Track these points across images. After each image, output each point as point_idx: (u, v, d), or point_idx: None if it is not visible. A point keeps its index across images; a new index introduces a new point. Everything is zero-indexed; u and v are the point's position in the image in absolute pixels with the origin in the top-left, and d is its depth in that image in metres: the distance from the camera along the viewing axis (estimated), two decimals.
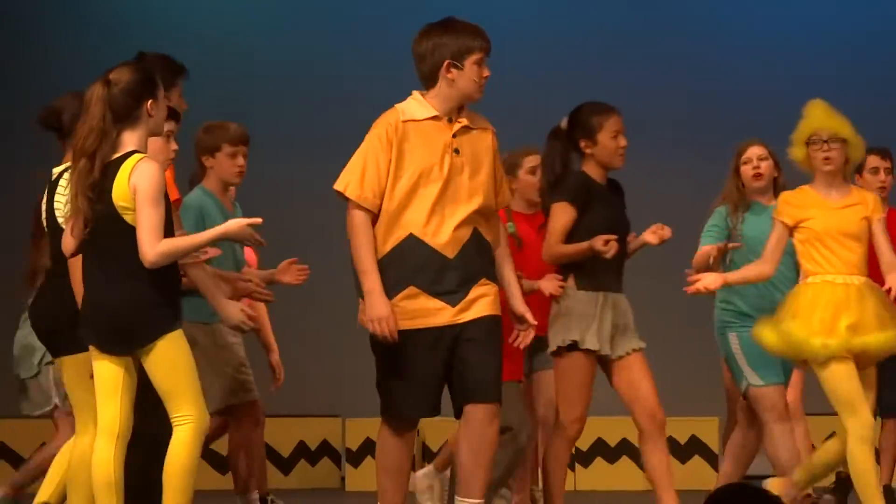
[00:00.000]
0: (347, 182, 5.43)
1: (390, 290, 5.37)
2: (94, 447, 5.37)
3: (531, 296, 6.46)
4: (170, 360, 5.37)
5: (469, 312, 5.44)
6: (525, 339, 5.73)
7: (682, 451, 9.29)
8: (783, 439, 6.72)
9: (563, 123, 6.54)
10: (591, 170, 6.45)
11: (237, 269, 6.88)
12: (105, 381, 5.32)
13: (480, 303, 5.47)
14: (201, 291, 5.86)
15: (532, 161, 7.02)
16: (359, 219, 5.43)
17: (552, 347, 6.35)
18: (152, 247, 5.12)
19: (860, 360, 6.16)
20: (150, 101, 5.21)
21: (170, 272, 5.40)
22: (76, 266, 5.48)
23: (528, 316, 5.69)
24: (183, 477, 5.37)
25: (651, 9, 12.04)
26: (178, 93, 6.01)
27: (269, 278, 6.69)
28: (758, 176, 6.87)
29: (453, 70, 5.45)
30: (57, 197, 5.66)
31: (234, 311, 5.73)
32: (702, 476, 9.00)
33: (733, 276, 6.51)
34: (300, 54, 11.66)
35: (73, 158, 5.23)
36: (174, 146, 5.85)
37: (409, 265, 5.43)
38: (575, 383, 6.29)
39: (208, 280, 5.86)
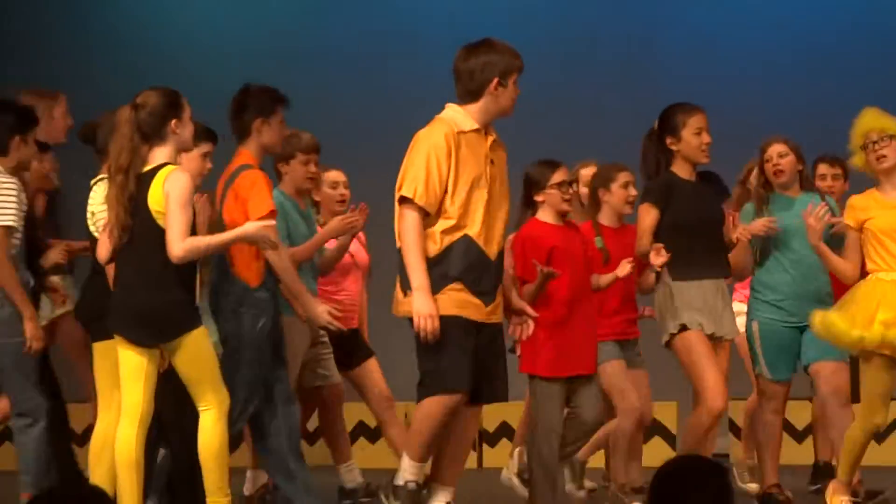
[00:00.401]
0: (414, 188, 5.76)
1: (440, 280, 5.79)
2: (119, 429, 5.69)
3: (616, 294, 6.88)
4: (194, 353, 5.71)
5: (495, 316, 6.01)
6: (526, 330, 6.16)
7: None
8: (770, 429, 6.90)
9: (655, 125, 6.75)
10: (679, 167, 6.67)
11: (315, 270, 7.07)
12: (131, 368, 5.63)
13: (499, 310, 6.06)
14: (292, 293, 6.34)
15: (625, 177, 7.09)
16: (414, 220, 5.77)
17: (665, 339, 6.60)
18: (179, 243, 5.49)
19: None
20: (174, 121, 5.63)
21: (193, 276, 5.76)
22: (112, 270, 5.83)
23: (528, 310, 6.14)
24: (216, 457, 5.78)
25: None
26: (279, 119, 6.39)
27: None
28: (779, 173, 6.86)
29: (500, 87, 5.86)
30: (89, 207, 6.15)
31: (321, 312, 6.27)
32: (661, 456, 9.37)
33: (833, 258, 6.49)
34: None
35: (110, 174, 5.66)
36: (208, 165, 6.34)
37: (461, 263, 5.84)
38: (701, 357, 6.52)
39: (299, 284, 6.30)
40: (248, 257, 6.20)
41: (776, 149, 6.95)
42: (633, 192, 7.06)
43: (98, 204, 6.12)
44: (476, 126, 5.90)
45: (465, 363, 5.83)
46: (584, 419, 6.50)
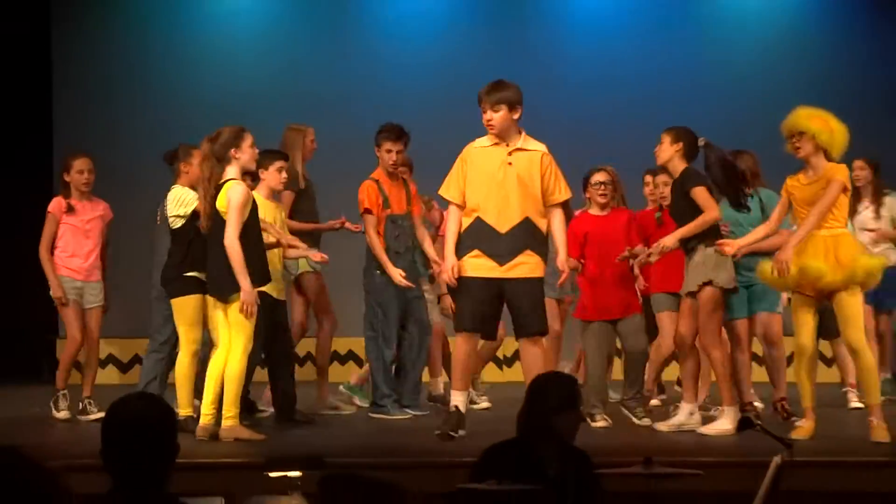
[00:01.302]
0: (447, 189, 7.41)
1: (464, 249, 7.28)
2: (216, 356, 7.22)
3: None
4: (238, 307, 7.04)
5: (513, 272, 7.21)
6: (563, 277, 7.55)
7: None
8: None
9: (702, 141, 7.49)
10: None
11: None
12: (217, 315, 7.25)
13: (521, 268, 7.22)
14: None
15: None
16: (452, 211, 7.41)
17: (692, 288, 7.39)
18: (230, 237, 7.06)
19: (815, 291, 7.05)
20: (233, 150, 7.10)
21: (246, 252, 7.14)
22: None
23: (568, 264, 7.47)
24: (237, 379, 7.12)
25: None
26: (385, 147, 8.39)
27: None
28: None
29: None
30: (167, 208, 7.76)
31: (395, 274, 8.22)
32: None
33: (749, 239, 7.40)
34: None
35: (201, 184, 7.24)
36: (284, 176, 8.07)
37: (476, 236, 7.25)
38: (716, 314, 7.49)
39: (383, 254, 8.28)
40: None
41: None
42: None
43: (171, 204, 7.76)
44: (495, 141, 7.28)
45: (478, 311, 7.26)
46: (629, 349, 8.18)
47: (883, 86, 11.58)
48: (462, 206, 7.33)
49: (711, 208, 7.32)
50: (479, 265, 7.21)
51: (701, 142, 7.43)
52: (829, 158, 7.06)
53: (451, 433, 7.17)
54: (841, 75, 11.32)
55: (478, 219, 7.24)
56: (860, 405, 8.41)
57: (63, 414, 8.00)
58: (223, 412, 7.17)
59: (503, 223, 7.19)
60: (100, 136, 11.18)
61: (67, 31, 11.84)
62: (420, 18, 11.95)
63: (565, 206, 7.68)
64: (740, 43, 11.91)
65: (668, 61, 11.78)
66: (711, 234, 7.40)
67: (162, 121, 11.37)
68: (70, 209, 8.19)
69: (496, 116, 7.16)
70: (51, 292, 8.21)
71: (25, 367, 11.29)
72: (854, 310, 7.00)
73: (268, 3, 12.27)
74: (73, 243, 8.20)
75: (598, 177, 8.27)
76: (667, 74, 11.66)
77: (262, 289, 7.43)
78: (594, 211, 8.34)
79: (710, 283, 7.33)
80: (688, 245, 7.40)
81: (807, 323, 7.13)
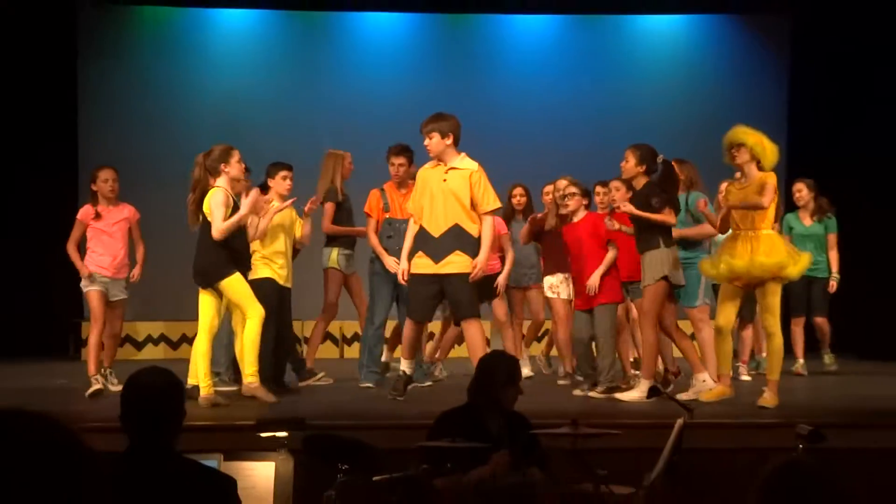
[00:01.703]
0: (410, 204, 7.60)
1: (414, 253, 7.42)
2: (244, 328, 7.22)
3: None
4: (230, 291, 7.17)
5: (445, 268, 7.33)
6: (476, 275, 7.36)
7: None
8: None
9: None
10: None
11: None
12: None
13: (451, 265, 7.31)
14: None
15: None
16: (410, 223, 7.58)
17: (650, 282, 7.41)
18: (217, 229, 7.04)
19: (742, 283, 7.09)
20: (223, 164, 7.18)
21: (231, 246, 7.21)
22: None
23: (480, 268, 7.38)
24: (254, 346, 7.17)
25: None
26: (391, 161, 8.34)
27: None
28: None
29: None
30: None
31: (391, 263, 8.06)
32: None
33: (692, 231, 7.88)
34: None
35: (192, 189, 7.35)
36: (289, 184, 8.09)
37: (420, 240, 7.41)
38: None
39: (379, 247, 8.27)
40: None
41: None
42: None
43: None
44: (432, 165, 7.43)
45: (419, 301, 7.47)
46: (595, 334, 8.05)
47: (770, 111, 11.57)
48: (417, 218, 7.48)
49: (671, 216, 7.42)
50: (420, 264, 7.37)
51: (659, 158, 7.46)
52: (760, 169, 7.08)
53: (398, 397, 7.49)
54: (736, 103, 11.31)
55: (421, 227, 7.41)
56: (748, 378, 8.47)
57: (115, 388, 7.60)
58: (244, 372, 7.26)
59: (436, 229, 7.33)
60: (119, 145, 11.05)
61: (91, 54, 11.66)
62: (385, 53, 11.88)
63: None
64: (653, 70, 11.83)
65: (593, 86, 11.72)
66: (669, 237, 7.49)
67: (172, 132, 11.25)
68: (97, 215, 8.06)
69: (431, 143, 7.28)
70: (81, 276, 8.10)
71: (54, 346, 11.12)
72: (772, 300, 7.03)
73: (262, 30, 12.07)
74: (101, 245, 8.06)
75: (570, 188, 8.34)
76: (592, 96, 11.61)
77: (270, 276, 7.73)
78: (574, 217, 8.35)
79: (665, 278, 7.39)
80: (650, 243, 7.43)
81: (727, 309, 7.17)
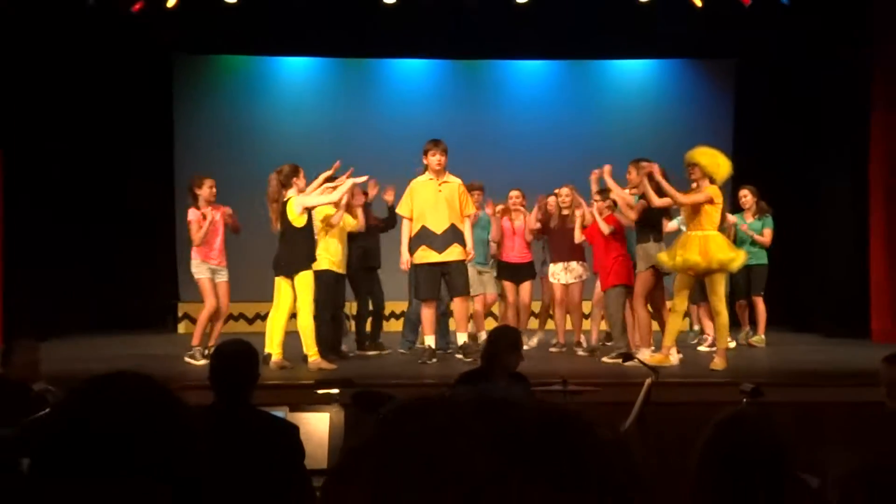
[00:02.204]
0: (401, 208, 7.70)
1: (417, 247, 7.55)
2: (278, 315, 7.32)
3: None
4: (302, 282, 7.15)
5: (446, 257, 7.42)
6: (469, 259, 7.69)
7: None
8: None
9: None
10: None
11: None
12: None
13: (451, 253, 7.43)
14: None
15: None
16: (405, 223, 7.68)
17: (642, 269, 7.47)
18: (316, 201, 7.35)
19: (695, 271, 7.00)
20: (294, 178, 7.23)
21: (309, 244, 7.31)
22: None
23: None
24: (310, 332, 7.17)
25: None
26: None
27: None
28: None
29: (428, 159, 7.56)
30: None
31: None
32: None
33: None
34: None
35: (271, 200, 7.35)
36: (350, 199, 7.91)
37: (423, 237, 7.54)
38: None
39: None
40: None
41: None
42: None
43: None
44: (426, 178, 7.62)
45: (428, 284, 7.58)
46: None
47: (720, 135, 11.50)
48: (411, 219, 7.61)
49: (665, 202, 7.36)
50: (427, 255, 7.52)
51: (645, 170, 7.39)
52: (712, 183, 7.02)
53: (427, 361, 7.51)
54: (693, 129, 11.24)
55: (423, 226, 7.56)
56: (706, 349, 8.41)
57: (202, 362, 7.49)
58: (307, 352, 7.20)
59: (438, 228, 7.53)
60: (207, 162, 11.02)
61: (183, 93, 11.68)
62: (416, 90, 11.88)
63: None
64: (626, 104, 11.70)
65: (579, 116, 11.61)
66: (659, 234, 7.56)
67: (247, 154, 11.20)
68: (203, 216, 7.94)
69: (444, 160, 7.53)
70: (194, 265, 8.01)
71: (155, 322, 11.12)
72: (718, 286, 7.01)
73: (316, 74, 12.00)
74: (207, 240, 7.95)
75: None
76: (579, 125, 11.48)
77: (328, 267, 7.67)
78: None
79: (653, 267, 7.37)
80: (644, 238, 7.50)
81: (682, 293, 7.14)
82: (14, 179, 9.31)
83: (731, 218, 8.65)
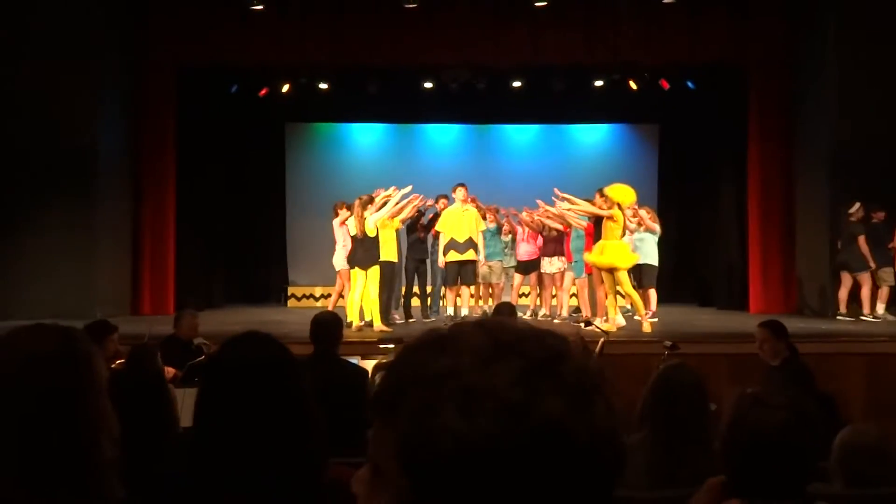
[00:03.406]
0: (440, 226, 7.66)
1: (448, 252, 7.58)
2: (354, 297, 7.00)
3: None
4: (373, 273, 6.88)
5: (468, 256, 7.62)
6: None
7: None
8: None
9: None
10: None
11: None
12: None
13: (469, 256, 7.63)
14: None
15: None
16: (441, 237, 7.63)
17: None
18: (380, 217, 7.02)
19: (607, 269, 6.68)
20: (369, 203, 6.91)
21: (377, 245, 6.95)
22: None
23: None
24: (377, 303, 6.88)
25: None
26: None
27: None
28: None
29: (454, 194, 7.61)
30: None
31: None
32: None
33: None
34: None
35: (357, 218, 6.93)
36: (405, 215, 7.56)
37: (452, 245, 7.59)
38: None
39: None
40: None
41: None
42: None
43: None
44: (456, 207, 7.66)
45: (453, 274, 7.58)
46: None
47: (646, 181, 11.32)
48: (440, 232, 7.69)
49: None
50: (453, 255, 7.55)
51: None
52: (620, 208, 6.74)
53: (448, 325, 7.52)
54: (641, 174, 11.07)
55: (451, 238, 7.59)
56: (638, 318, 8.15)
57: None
58: (374, 321, 6.95)
59: (461, 238, 7.58)
60: (308, 198, 11.02)
61: (291, 149, 11.51)
62: (443, 145, 11.78)
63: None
64: (585, 155, 11.46)
65: (556, 165, 11.29)
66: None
67: (330, 190, 10.77)
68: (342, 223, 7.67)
69: (465, 194, 7.65)
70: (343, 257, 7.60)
71: (273, 298, 10.91)
72: (623, 276, 6.68)
73: (379, 140, 11.78)
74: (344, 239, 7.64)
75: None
76: (555, 171, 11.10)
77: (388, 259, 7.17)
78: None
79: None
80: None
81: (606, 281, 6.81)
82: (183, 210, 9.26)
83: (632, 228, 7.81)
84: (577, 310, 8.37)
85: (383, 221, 7.28)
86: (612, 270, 6.66)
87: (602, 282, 7.10)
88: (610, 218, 6.69)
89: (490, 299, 8.47)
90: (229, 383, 1.08)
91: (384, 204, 7.26)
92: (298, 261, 11.06)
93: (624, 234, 6.95)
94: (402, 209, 7.37)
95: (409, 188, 7.60)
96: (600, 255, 6.72)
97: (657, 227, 8.10)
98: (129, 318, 7.94)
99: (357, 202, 7.16)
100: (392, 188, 7.52)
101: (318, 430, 1.08)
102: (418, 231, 8.17)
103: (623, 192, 6.87)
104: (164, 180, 9.02)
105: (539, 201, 8.09)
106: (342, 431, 2.10)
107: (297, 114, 11.05)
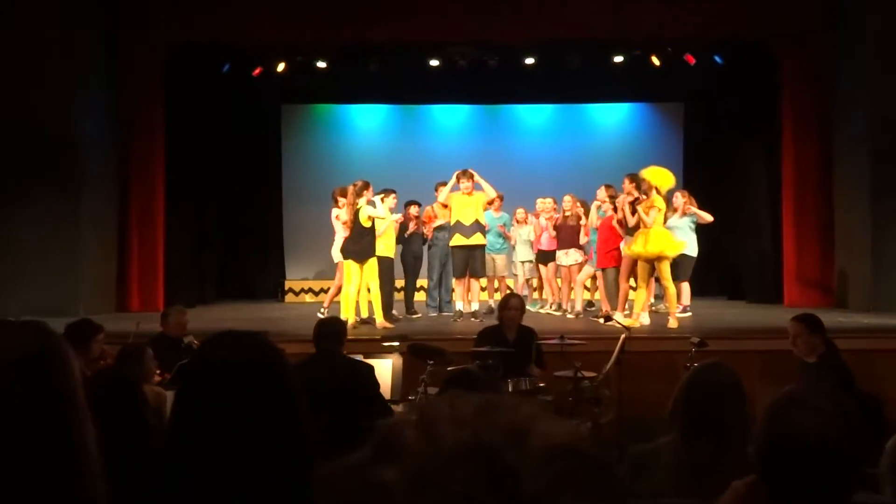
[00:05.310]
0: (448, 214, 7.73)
1: (453, 235, 7.58)
2: (350, 292, 6.88)
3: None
4: (370, 266, 6.83)
5: (474, 241, 7.59)
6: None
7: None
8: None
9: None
10: None
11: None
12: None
13: (476, 240, 7.61)
14: None
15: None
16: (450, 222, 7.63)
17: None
18: (374, 215, 6.90)
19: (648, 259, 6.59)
20: (364, 191, 6.77)
21: (373, 238, 6.91)
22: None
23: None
24: (378, 299, 6.84)
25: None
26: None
27: None
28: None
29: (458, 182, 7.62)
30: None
31: None
32: None
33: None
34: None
35: (350, 204, 6.84)
36: (395, 198, 7.63)
37: (458, 228, 7.59)
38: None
39: None
40: None
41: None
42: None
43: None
44: (461, 191, 7.61)
45: (461, 264, 7.63)
46: None
47: (672, 161, 11.31)
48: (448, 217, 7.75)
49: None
50: (459, 239, 7.59)
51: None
52: (658, 193, 6.64)
53: (457, 320, 7.58)
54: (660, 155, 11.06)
55: (458, 221, 7.60)
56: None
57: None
58: (375, 317, 6.95)
59: (468, 221, 7.59)
60: (305, 183, 11.06)
61: (288, 131, 11.56)
62: (450, 127, 11.77)
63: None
64: (605, 136, 11.44)
65: (571, 146, 11.33)
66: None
67: (329, 174, 11.07)
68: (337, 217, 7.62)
69: (471, 185, 7.57)
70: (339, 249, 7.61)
71: (269, 295, 10.90)
72: (665, 266, 6.64)
73: (376, 116, 11.77)
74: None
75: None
76: (571, 153, 11.25)
77: (385, 254, 7.27)
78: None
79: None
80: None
81: (641, 273, 6.75)
82: (172, 199, 9.25)
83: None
84: (591, 304, 8.32)
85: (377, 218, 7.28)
86: (658, 259, 6.52)
87: (628, 276, 7.00)
88: (651, 206, 6.54)
89: (496, 293, 8.51)
90: (205, 388, 1.06)
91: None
92: (296, 253, 11.09)
93: (665, 221, 6.84)
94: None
95: (399, 216, 7.78)
96: (645, 244, 6.54)
97: (708, 216, 7.80)
98: (116, 316, 7.95)
99: (351, 188, 7.03)
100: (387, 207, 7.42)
101: (306, 434, 1.05)
102: (411, 220, 8.17)
103: (661, 176, 6.68)
104: (151, 167, 8.99)
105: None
106: (353, 427, 2.09)
107: (294, 95, 11.02)
